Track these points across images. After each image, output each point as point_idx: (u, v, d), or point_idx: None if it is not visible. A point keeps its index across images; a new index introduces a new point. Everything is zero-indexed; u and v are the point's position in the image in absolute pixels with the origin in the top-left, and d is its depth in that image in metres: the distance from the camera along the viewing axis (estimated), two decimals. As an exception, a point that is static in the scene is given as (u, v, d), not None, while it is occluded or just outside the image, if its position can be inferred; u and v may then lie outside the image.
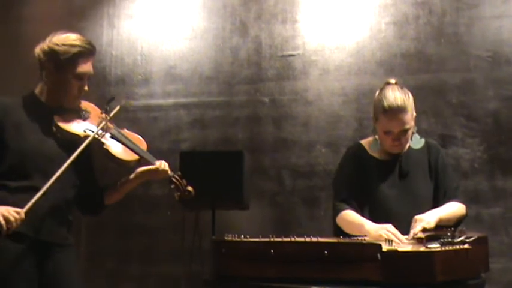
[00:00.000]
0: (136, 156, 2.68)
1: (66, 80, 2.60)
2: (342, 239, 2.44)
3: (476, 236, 2.23)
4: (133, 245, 4.66)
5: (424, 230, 2.46)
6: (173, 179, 2.70)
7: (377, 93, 2.78)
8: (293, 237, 2.30)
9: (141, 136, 2.81)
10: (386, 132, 2.73)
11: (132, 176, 2.72)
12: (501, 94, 4.18)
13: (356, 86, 4.45)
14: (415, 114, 2.77)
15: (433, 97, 4.28)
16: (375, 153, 2.83)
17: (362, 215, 2.71)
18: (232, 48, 4.73)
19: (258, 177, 4.44)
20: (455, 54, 4.29)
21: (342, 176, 2.87)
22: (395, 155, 2.80)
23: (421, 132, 2.88)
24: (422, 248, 2.15)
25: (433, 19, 4.36)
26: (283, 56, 4.62)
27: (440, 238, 2.21)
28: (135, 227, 4.68)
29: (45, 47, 2.61)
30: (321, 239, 2.26)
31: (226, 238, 2.35)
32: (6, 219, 2.31)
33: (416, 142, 2.82)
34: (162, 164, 2.69)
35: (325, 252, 2.14)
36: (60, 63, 2.59)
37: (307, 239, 2.24)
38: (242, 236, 2.34)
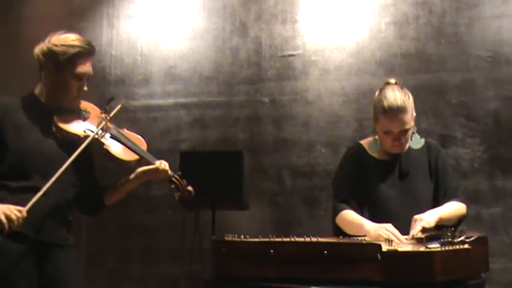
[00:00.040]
0: (136, 156, 2.68)
1: (66, 80, 2.60)
2: (341, 239, 2.44)
3: (476, 236, 2.24)
4: (134, 245, 4.66)
5: (424, 229, 2.46)
6: (173, 179, 2.70)
7: (377, 93, 2.78)
8: (293, 237, 2.30)
9: (141, 136, 2.81)
10: (386, 133, 2.73)
11: (132, 176, 2.72)
12: (501, 94, 4.18)
13: (356, 86, 4.45)
14: (415, 114, 2.77)
15: (433, 97, 4.28)
16: (374, 154, 2.83)
17: (362, 215, 2.71)
18: (232, 49, 4.73)
19: (258, 177, 4.44)
20: (455, 54, 4.29)
21: (342, 176, 2.87)
22: (395, 155, 2.80)
23: (421, 132, 2.88)
24: (422, 248, 2.16)
25: (433, 19, 4.36)
26: (283, 56, 4.62)
27: (440, 238, 2.21)
28: (135, 227, 4.68)
29: (44, 48, 2.61)
30: (321, 239, 2.26)
31: (226, 238, 2.35)
32: (8, 217, 2.31)
33: (416, 142, 2.82)
34: (162, 164, 2.69)
35: (325, 252, 2.14)
36: (60, 64, 2.59)
37: (307, 239, 2.24)
38: (242, 236, 2.34)
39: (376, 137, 2.82)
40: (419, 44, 4.37)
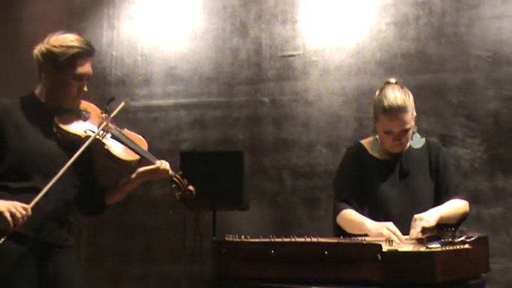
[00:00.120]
0: (137, 156, 2.68)
1: (65, 81, 2.60)
2: (342, 239, 2.44)
3: (476, 236, 2.23)
4: (134, 245, 4.66)
5: (424, 229, 2.46)
6: (174, 179, 2.70)
7: (377, 93, 2.78)
8: (293, 237, 2.30)
9: (141, 136, 2.81)
10: (387, 132, 2.73)
11: (133, 175, 2.72)
12: (501, 94, 4.18)
13: (356, 86, 4.46)
14: (415, 113, 2.77)
15: (433, 97, 4.28)
16: (375, 153, 2.83)
17: (363, 214, 2.71)
18: (232, 49, 4.73)
19: (258, 177, 4.44)
20: (456, 55, 4.29)
21: (343, 176, 2.87)
22: (395, 155, 2.80)
23: (421, 132, 2.87)
24: (422, 248, 2.16)
25: (433, 19, 4.37)
26: (283, 56, 4.62)
27: (440, 238, 2.21)
28: (135, 227, 4.68)
29: (43, 49, 2.61)
30: (321, 240, 2.26)
31: (226, 239, 2.35)
32: (12, 215, 2.32)
33: (416, 141, 2.82)
34: (163, 164, 2.69)
35: (326, 252, 2.14)
36: (59, 65, 2.58)
37: (308, 240, 2.24)
38: (243, 237, 2.34)
39: (377, 136, 2.82)
40: (419, 45, 4.37)
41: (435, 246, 2.15)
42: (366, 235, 2.55)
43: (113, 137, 2.67)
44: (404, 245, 2.36)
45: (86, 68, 2.63)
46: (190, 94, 4.77)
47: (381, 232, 2.47)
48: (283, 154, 4.53)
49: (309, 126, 4.52)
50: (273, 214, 4.48)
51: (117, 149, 2.65)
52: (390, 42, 4.43)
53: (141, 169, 2.71)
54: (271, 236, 2.33)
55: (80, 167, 2.58)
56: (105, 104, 2.74)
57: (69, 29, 2.72)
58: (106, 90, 4.81)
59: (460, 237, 2.20)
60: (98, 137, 2.60)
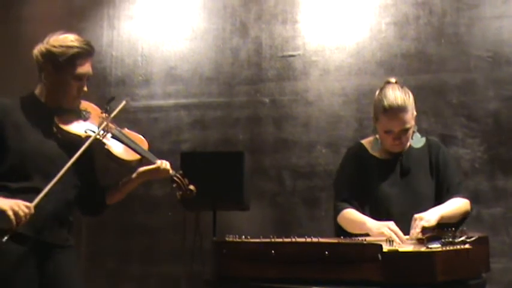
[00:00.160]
0: (137, 156, 2.68)
1: (65, 81, 2.60)
2: (342, 240, 2.44)
3: (477, 236, 2.23)
4: (134, 245, 4.66)
5: (424, 229, 2.45)
6: (175, 178, 2.70)
7: (377, 92, 2.78)
8: (294, 237, 2.30)
9: (141, 136, 2.81)
10: (387, 132, 2.73)
11: (133, 175, 2.72)
12: (501, 94, 4.18)
13: (356, 86, 4.46)
14: (415, 113, 2.77)
15: (434, 97, 4.28)
16: (375, 153, 2.83)
17: (363, 214, 2.71)
18: (232, 49, 4.73)
19: (259, 177, 4.44)
20: (456, 55, 4.29)
21: (343, 176, 2.87)
22: (396, 154, 2.80)
23: (421, 132, 2.88)
24: (423, 248, 2.15)
25: (433, 19, 4.37)
26: (283, 56, 4.62)
27: (441, 238, 2.21)
28: (135, 227, 4.68)
29: (43, 49, 2.60)
30: (321, 240, 2.26)
31: (227, 239, 2.35)
32: (15, 213, 2.31)
33: (417, 141, 2.82)
34: (163, 163, 2.69)
35: (326, 252, 2.14)
36: (59, 65, 2.58)
37: (308, 240, 2.24)
38: (243, 237, 2.34)
39: (377, 136, 2.82)
40: (419, 45, 4.37)
41: (435, 246, 2.14)
42: (367, 235, 2.56)
43: (113, 136, 2.67)
44: (405, 245, 2.36)
45: (85, 68, 2.63)
46: (191, 94, 4.77)
47: (382, 232, 2.47)
48: (283, 154, 4.53)
49: (309, 127, 4.52)
50: (273, 214, 4.48)
51: (117, 148, 2.65)
52: (390, 42, 4.43)
53: (141, 169, 2.71)
54: (271, 236, 2.33)
55: (80, 167, 2.58)
56: (105, 103, 2.73)
57: (69, 29, 2.71)
58: (106, 90, 4.80)
59: (461, 237, 2.20)
60: (98, 136, 2.60)
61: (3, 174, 2.50)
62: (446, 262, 2.05)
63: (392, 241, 2.32)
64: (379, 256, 2.07)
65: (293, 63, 4.59)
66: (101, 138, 2.62)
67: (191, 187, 2.72)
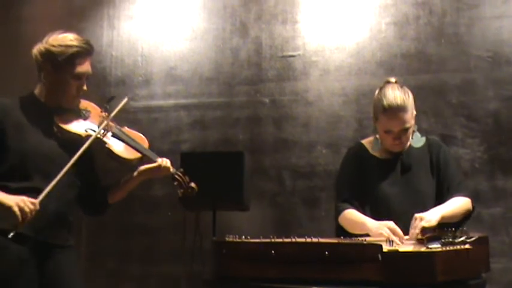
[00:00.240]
0: (138, 155, 2.68)
1: (65, 80, 2.59)
2: (342, 240, 2.44)
3: (476, 236, 2.23)
4: (134, 245, 4.66)
5: (424, 229, 2.45)
6: (176, 176, 2.71)
7: (377, 92, 2.78)
8: (294, 237, 2.30)
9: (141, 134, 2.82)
10: (387, 132, 2.73)
11: (134, 173, 2.72)
12: (501, 94, 4.19)
13: (356, 86, 4.46)
14: (415, 112, 2.77)
15: (433, 97, 4.28)
16: (376, 153, 2.83)
17: (364, 214, 2.71)
18: (232, 49, 4.73)
19: (259, 177, 4.44)
20: (456, 55, 4.29)
21: (344, 176, 2.87)
22: (396, 154, 2.80)
23: (421, 132, 2.87)
24: (423, 248, 2.15)
25: (433, 19, 4.37)
26: (283, 56, 4.62)
27: (441, 238, 2.21)
28: (135, 227, 4.68)
29: (42, 48, 2.60)
30: (321, 240, 2.26)
31: (227, 239, 2.35)
32: (21, 209, 2.32)
33: (417, 140, 2.82)
34: (164, 161, 2.70)
35: (326, 252, 2.14)
36: (58, 64, 2.57)
37: (308, 240, 2.24)
38: (243, 237, 2.34)
39: (377, 136, 2.82)
40: (419, 45, 4.37)
41: (435, 246, 2.14)
42: (368, 235, 2.56)
43: (114, 135, 2.67)
44: (405, 245, 2.36)
45: (85, 67, 2.63)
46: (191, 94, 4.77)
47: (381, 232, 2.47)
48: (283, 154, 4.53)
49: (309, 127, 4.52)
50: (273, 214, 4.48)
51: (118, 147, 2.66)
52: (390, 42, 4.43)
53: (142, 167, 2.71)
54: (271, 236, 2.33)
55: (80, 166, 2.58)
56: (105, 103, 2.73)
57: (69, 29, 2.71)
58: (106, 90, 4.80)
59: (461, 237, 2.20)
60: (99, 135, 2.60)
61: (3, 174, 2.49)
62: (446, 262, 2.05)
63: (392, 241, 2.32)
64: (379, 256, 2.07)
65: (293, 64, 4.59)
66: (101, 137, 2.62)
67: (192, 185, 2.73)
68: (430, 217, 2.50)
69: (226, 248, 2.30)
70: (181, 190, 2.72)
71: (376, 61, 4.44)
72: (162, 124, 4.78)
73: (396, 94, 2.69)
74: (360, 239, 2.43)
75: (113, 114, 2.69)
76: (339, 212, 2.76)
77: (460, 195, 2.72)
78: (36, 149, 2.54)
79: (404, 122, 2.69)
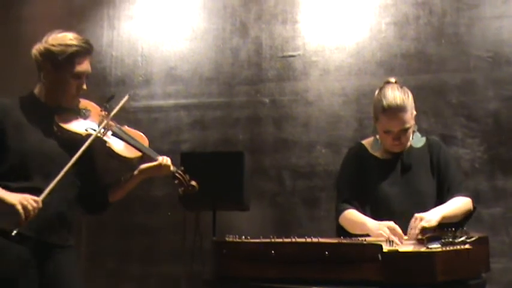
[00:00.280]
0: (139, 153, 2.68)
1: (64, 79, 2.59)
2: (342, 240, 2.44)
3: (476, 236, 2.23)
4: (134, 245, 4.66)
5: (424, 229, 2.45)
6: (176, 175, 2.72)
7: (376, 92, 2.78)
8: (294, 237, 2.30)
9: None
10: (386, 132, 2.73)
11: (135, 172, 2.72)
12: (501, 94, 4.19)
13: (356, 86, 4.46)
14: (415, 113, 2.77)
15: (433, 97, 4.28)
16: (376, 153, 2.83)
17: (365, 214, 2.71)
18: (232, 49, 4.73)
19: (259, 177, 4.44)
20: (456, 55, 4.29)
21: (344, 177, 2.87)
22: (396, 154, 2.80)
23: (421, 132, 2.87)
24: (423, 249, 2.16)
25: (433, 19, 4.37)
26: (283, 56, 4.62)
27: (441, 238, 2.21)
28: (135, 227, 4.68)
29: (42, 48, 2.60)
30: (321, 240, 2.26)
31: (227, 239, 2.35)
32: (24, 207, 2.33)
33: (417, 141, 2.81)
34: (164, 160, 2.70)
35: (326, 252, 2.14)
36: (58, 63, 2.57)
37: (308, 240, 2.24)
38: (243, 237, 2.34)
39: (377, 136, 2.82)
40: (419, 45, 4.37)
41: (435, 246, 2.14)
42: (368, 235, 2.56)
43: (114, 134, 2.67)
44: (405, 245, 2.36)
45: (84, 66, 2.63)
46: (191, 94, 4.77)
47: (381, 233, 2.47)
48: (283, 154, 4.53)
49: (309, 127, 4.52)
50: (273, 214, 4.48)
51: (118, 146, 2.66)
52: (390, 42, 4.43)
53: (143, 166, 2.71)
54: (271, 237, 2.33)
55: (81, 166, 2.57)
56: (104, 102, 2.73)
57: (69, 29, 2.71)
58: (106, 90, 4.79)
59: (461, 237, 2.20)
60: (99, 135, 2.60)
61: (4, 174, 2.49)
62: (446, 262, 2.05)
63: (392, 241, 2.32)
64: (379, 256, 2.08)
65: (293, 64, 4.59)
66: (101, 136, 2.62)
67: (193, 183, 2.74)
68: (431, 217, 2.50)
69: (226, 248, 2.31)
70: (182, 188, 2.73)
71: (376, 61, 4.44)
72: (162, 124, 4.78)
73: (396, 94, 2.69)
74: (360, 239, 2.43)
75: (113, 112, 2.69)
76: (339, 212, 2.76)
77: (460, 195, 2.71)
78: (36, 149, 2.54)
79: (403, 122, 2.69)
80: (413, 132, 2.79)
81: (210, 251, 2.52)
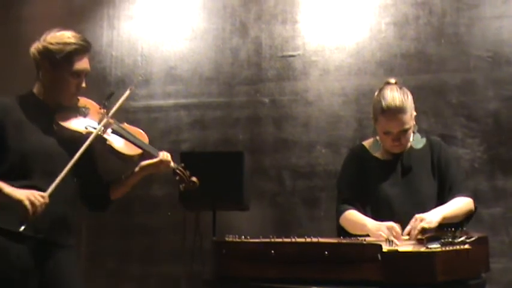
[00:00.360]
0: (139, 151, 2.68)
1: (63, 78, 2.59)
2: (342, 240, 2.44)
3: (476, 236, 2.23)
4: (134, 245, 4.66)
5: (424, 229, 2.45)
6: (177, 171, 2.73)
7: (376, 93, 2.78)
8: (293, 237, 2.30)
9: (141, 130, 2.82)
10: (386, 133, 2.73)
11: (136, 169, 2.73)
12: (501, 94, 4.18)
13: (356, 86, 4.46)
14: (414, 113, 2.77)
15: (433, 97, 4.28)
16: (376, 154, 2.83)
17: (365, 215, 2.71)
18: (232, 49, 4.73)
19: (258, 177, 4.44)
20: (456, 55, 4.29)
21: (345, 177, 2.87)
22: (397, 155, 2.80)
23: (421, 132, 2.87)
24: (423, 248, 2.15)
25: (433, 19, 4.37)
26: (283, 56, 4.62)
27: (440, 238, 2.21)
28: (135, 227, 4.68)
29: (40, 46, 2.60)
30: (321, 240, 2.26)
31: (227, 239, 2.35)
32: (32, 203, 2.33)
33: (417, 141, 2.82)
34: (165, 155, 2.71)
35: (326, 252, 2.15)
36: (56, 62, 2.57)
37: (308, 240, 2.24)
38: (243, 237, 2.34)
39: (377, 137, 2.82)
40: (419, 45, 4.37)
41: (435, 246, 2.14)
42: (369, 235, 2.56)
43: (114, 131, 2.67)
44: (405, 245, 2.36)
45: (83, 65, 2.62)
46: (190, 94, 4.77)
47: (381, 234, 2.48)
48: (283, 154, 4.53)
49: (309, 127, 4.52)
50: (273, 214, 4.48)
51: (119, 143, 2.66)
52: (390, 42, 4.43)
53: (144, 162, 2.72)
54: (271, 236, 2.33)
55: (81, 164, 2.57)
56: (103, 99, 2.73)
57: (68, 29, 2.71)
58: (106, 90, 4.78)
59: (460, 237, 2.20)
60: (99, 132, 2.60)
61: (4, 173, 2.49)
62: (446, 262, 2.06)
63: (392, 241, 2.32)
64: (379, 256, 2.08)
65: (293, 63, 4.59)
66: (101, 134, 2.62)
67: (194, 179, 2.75)
68: (431, 218, 2.50)
69: (226, 248, 2.31)
70: (183, 185, 2.74)
71: (376, 61, 4.44)
72: (162, 124, 4.78)
73: (395, 95, 2.69)
74: (360, 239, 2.43)
75: (114, 109, 2.69)
76: (339, 212, 2.77)
77: (461, 196, 2.71)
78: (37, 148, 2.54)
79: (403, 123, 2.69)
80: (413, 133, 2.79)
81: (210, 251, 2.52)
